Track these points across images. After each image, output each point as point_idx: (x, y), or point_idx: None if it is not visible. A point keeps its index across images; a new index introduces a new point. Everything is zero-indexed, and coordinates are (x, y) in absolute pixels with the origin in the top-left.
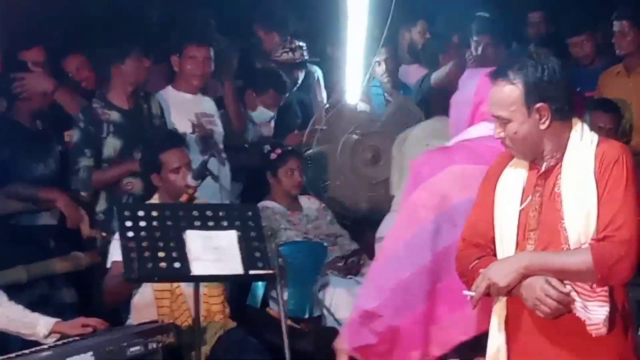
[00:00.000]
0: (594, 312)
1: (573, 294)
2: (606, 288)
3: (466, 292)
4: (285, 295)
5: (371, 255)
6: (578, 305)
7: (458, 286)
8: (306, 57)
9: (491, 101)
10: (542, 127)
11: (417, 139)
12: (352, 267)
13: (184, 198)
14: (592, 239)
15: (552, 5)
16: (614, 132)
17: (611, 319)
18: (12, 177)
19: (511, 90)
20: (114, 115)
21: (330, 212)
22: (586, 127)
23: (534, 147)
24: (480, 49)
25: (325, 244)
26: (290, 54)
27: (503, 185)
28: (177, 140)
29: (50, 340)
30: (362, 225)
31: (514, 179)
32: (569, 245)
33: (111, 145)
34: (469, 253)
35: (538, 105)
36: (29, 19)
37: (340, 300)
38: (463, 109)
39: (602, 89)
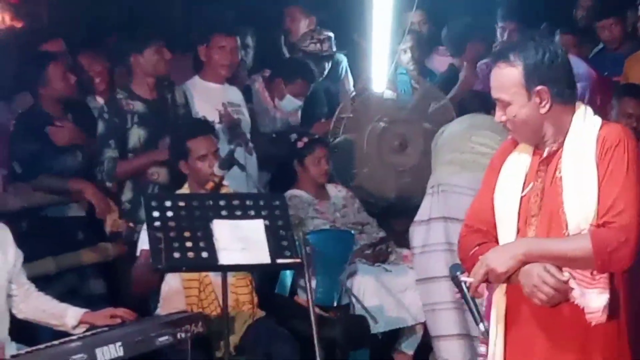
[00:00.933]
0: (593, 299)
1: (572, 281)
2: (606, 275)
3: (464, 278)
4: (313, 284)
5: (399, 242)
6: (576, 292)
7: None
8: (334, 49)
9: (492, 84)
10: (542, 110)
11: (453, 133)
12: (379, 254)
13: (209, 186)
14: (592, 225)
15: None
16: None
17: (611, 307)
18: (40, 169)
19: (511, 72)
20: (138, 106)
21: (358, 200)
22: (589, 111)
23: (535, 131)
24: (505, 35)
25: (352, 232)
26: (319, 45)
27: (505, 171)
28: (205, 127)
29: (79, 331)
30: (390, 212)
31: (517, 165)
32: (568, 230)
33: (136, 135)
34: (471, 239)
35: (538, 88)
36: (51, 12)
37: (368, 288)
38: None
39: (629, 73)
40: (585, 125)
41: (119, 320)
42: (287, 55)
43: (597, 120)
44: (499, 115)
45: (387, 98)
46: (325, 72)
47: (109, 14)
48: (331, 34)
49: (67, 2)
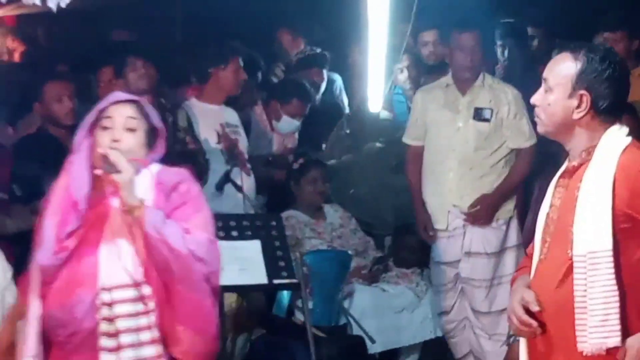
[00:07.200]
0: None
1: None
2: None
3: None
4: (310, 304)
5: (397, 262)
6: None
7: None
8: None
9: (549, 64)
10: (576, 115)
11: None
12: (376, 275)
13: None
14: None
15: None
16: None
17: None
18: (41, 193)
19: (570, 64)
20: None
21: (354, 220)
22: (622, 131)
23: (560, 129)
24: (506, 52)
25: (349, 252)
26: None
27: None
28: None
29: None
30: (387, 233)
31: (553, 180)
32: (572, 252)
33: None
34: (522, 262)
35: (582, 92)
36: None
37: (365, 308)
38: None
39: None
40: (610, 145)
41: None
42: (281, 75)
43: (624, 141)
44: (537, 97)
45: (383, 118)
46: (322, 90)
47: (106, 36)
48: (321, 51)
49: (62, 21)
